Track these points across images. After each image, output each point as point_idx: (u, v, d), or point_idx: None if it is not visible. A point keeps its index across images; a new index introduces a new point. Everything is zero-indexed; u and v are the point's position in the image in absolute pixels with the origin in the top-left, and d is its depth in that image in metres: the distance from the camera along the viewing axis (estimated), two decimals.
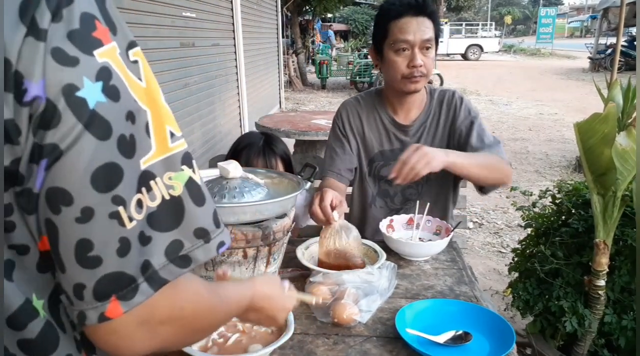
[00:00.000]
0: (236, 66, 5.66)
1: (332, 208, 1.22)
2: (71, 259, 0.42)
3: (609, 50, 13.68)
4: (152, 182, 0.43)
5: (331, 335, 0.98)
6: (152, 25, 3.31)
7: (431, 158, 1.19)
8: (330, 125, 1.63)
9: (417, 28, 1.36)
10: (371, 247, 1.28)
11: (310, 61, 17.11)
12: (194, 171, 0.47)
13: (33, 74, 0.37)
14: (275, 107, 9.06)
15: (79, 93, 0.39)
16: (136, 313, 0.44)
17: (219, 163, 1.11)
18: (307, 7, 14.77)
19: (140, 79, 0.44)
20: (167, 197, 0.44)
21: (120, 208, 0.42)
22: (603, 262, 1.54)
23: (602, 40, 14.97)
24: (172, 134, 0.46)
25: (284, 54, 10.12)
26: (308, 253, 1.28)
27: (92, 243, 0.41)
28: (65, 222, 0.40)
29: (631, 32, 13.82)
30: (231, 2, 5.43)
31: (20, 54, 0.37)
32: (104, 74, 0.40)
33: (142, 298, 0.44)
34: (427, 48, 1.39)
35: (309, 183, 1.15)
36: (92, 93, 0.39)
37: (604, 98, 3.64)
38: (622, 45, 8.16)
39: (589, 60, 15.36)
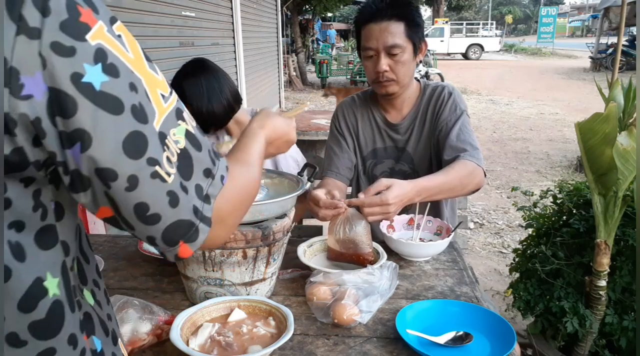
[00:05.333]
0: (236, 65, 5.65)
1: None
2: (135, 220, 0.48)
3: (610, 50, 13.67)
4: (166, 140, 0.48)
5: (331, 336, 0.98)
6: (151, 24, 3.31)
7: (391, 213, 1.15)
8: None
9: (380, 34, 1.36)
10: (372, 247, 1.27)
11: (310, 60, 17.10)
12: (186, 123, 0.52)
13: (29, 70, 0.39)
14: (275, 107, 9.06)
15: (84, 79, 0.42)
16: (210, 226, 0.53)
17: None
18: (307, 6, 14.75)
19: (127, 51, 0.46)
20: (179, 151, 0.50)
21: (157, 168, 0.47)
22: (604, 262, 1.54)
23: (603, 40, 14.96)
24: (162, 95, 0.50)
25: (283, 53, 10.11)
26: (310, 251, 1.28)
27: (147, 204, 0.47)
28: (119, 193, 0.46)
29: (632, 32, 13.80)
30: (231, 1, 5.43)
31: (13, 51, 0.39)
32: (100, 55, 0.43)
33: (204, 236, 0.52)
34: (394, 53, 1.37)
35: (309, 183, 1.14)
36: (94, 76, 0.42)
37: (605, 98, 3.62)
38: (623, 45, 8.13)
39: (590, 59, 15.35)
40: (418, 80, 1.55)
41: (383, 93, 1.46)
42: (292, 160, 1.74)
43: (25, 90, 0.39)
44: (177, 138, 0.50)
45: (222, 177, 0.55)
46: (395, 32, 1.35)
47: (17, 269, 0.44)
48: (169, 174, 0.48)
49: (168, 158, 0.48)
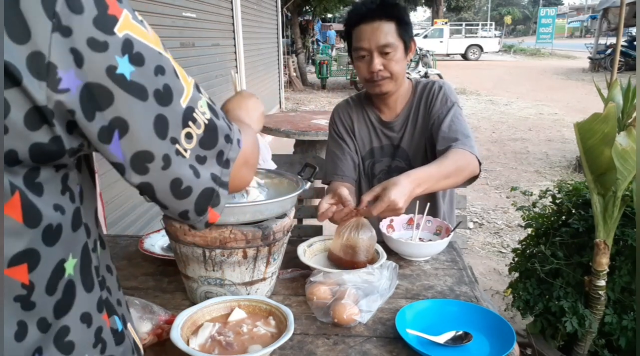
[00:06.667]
0: (236, 66, 5.66)
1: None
2: (170, 199, 0.53)
3: (609, 50, 13.67)
4: (194, 114, 0.52)
5: (331, 335, 0.98)
6: (152, 25, 3.29)
7: (401, 208, 1.14)
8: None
9: (372, 34, 1.38)
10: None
11: (310, 61, 17.11)
12: (204, 94, 0.56)
13: (65, 66, 0.42)
14: (275, 107, 9.06)
15: (118, 71, 0.44)
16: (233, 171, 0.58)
17: None
18: (307, 7, 14.77)
19: (151, 34, 0.49)
20: (206, 122, 0.53)
21: (177, 146, 0.51)
22: (603, 262, 1.54)
23: (602, 40, 14.97)
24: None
25: (283, 54, 10.12)
26: (310, 251, 1.28)
27: (180, 180, 0.52)
28: (155, 175, 0.50)
29: (631, 32, 13.82)
30: (231, 2, 5.44)
31: (50, 47, 0.41)
32: (127, 47, 0.45)
33: (225, 200, 0.57)
34: (387, 52, 1.39)
35: (308, 183, 1.14)
36: (125, 67, 0.45)
37: (604, 99, 3.64)
38: (622, 45, 8.17)
39: (588, 60, 15.36)
40: (410, 79, 1.58)
41: (377, 93, 1.48)
42: None
43: (63, 84, 0.42)
44: (203, 110, 0.53)
45: (239, 141, 0.59)
46: (387, 31, 1.38)
47: (45, 253, 0.46)
48: (185, 150, 0.51)
49: (188, 135, 0.51)
